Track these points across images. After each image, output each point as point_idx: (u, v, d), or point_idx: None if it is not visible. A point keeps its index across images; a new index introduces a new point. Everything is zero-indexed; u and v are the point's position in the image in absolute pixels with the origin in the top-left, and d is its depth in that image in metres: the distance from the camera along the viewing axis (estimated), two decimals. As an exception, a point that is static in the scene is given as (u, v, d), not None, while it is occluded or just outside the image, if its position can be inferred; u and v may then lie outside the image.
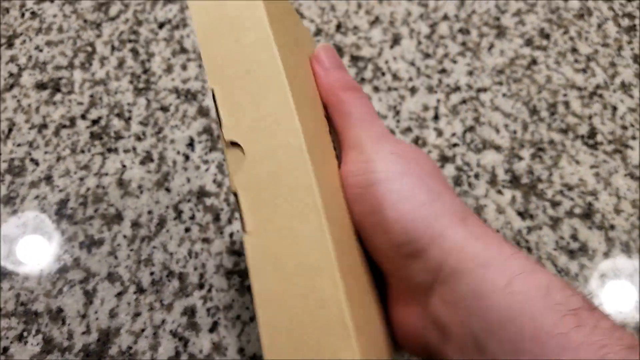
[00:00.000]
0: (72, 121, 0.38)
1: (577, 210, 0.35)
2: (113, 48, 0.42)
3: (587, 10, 0.44)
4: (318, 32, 0.43)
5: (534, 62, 0.42)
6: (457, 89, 0.40)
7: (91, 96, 0.39)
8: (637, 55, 0.42)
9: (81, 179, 0.36)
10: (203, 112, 0.39)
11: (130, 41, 0.42)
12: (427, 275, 0.18)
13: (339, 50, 0.42)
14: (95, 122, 0.38)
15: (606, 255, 0.33)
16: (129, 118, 0.38)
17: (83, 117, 0.39)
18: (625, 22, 0.44)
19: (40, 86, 0.40)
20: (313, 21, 0.43)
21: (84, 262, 0.33)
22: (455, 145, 0.38)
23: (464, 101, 0.40)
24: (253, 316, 0.31)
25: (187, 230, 0.34)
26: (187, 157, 0.37)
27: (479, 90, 0.40)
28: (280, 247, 0.18)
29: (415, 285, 0.19)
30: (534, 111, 0.39)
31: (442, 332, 0.18)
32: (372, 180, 0.19)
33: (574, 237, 0.34)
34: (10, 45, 0.42)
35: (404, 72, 0.41)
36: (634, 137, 0.38)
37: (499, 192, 0.36)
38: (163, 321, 0.31)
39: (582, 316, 0.15)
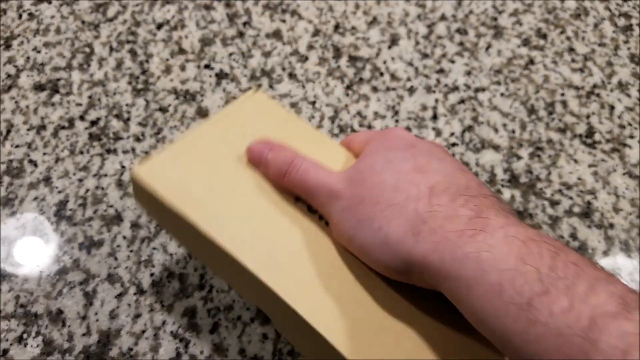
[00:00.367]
0: (71, 122, 0.38)
1: (576, 209, 0.35)
2: (111, 49, 0.42)
3: (583, 10, 0.45)
4: (316, 32, 0.43)
5: (531, 61, 0.42)
6: (455, 88, 0.40)
7: (90, 97, 0.39)
8: (634, 54, 0.42)
9: (80, 180, 0.36)
10: (202, 112, 0.39)
11: (128, 42, 0.42)
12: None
13: (337, 50, 0.42)
14: (94, 123, 0.38)
15: (605, 253, 0.34)
16: (128, 119, 0.38)
17: (82, 118, 0.38)
18: (622, 21, 0.44)
19: (39, 87, 0.40)
20: (311, 22, 0.43)
21: (83, 263, 0.33)
22: (454, 144, 0.38)
23: (462, 101, 0.40)
24: (254, 317, 0.31)
25: (187, 231, 0.34)
26: (186, 158, 0.37)
27: (477, 90, 0.40)
28: None
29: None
30: (532, 111, 0.39)
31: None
32: (346, 242, 0.23)
33: (573, 236, 0.34)
34: (8, 46, 0.42)
35: (402, 72, 0.41)
36: (631, 136, 0.38)
37: (498, 191, 0.36)
38: (164, 322, 0.31)
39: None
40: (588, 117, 0.39)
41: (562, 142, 0.38)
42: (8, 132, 0.38)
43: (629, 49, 0.43)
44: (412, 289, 0.23)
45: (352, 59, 0.42)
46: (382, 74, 0.41)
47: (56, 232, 0.34)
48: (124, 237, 0.34)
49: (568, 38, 0.43)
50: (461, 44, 0.43)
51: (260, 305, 0.26)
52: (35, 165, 0.36)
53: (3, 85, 0.40)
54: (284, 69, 0.41)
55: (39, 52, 0.42)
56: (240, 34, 0.43)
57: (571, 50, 0.43)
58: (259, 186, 0.26)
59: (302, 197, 0.25)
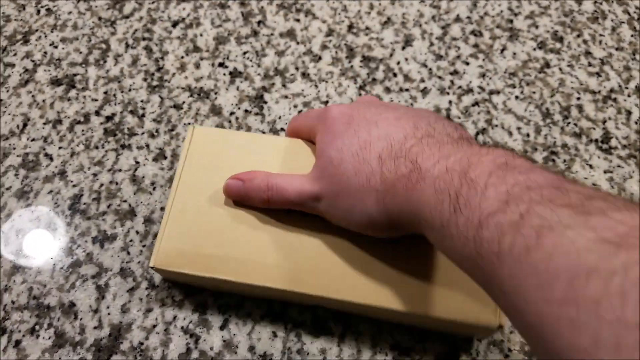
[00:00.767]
0: (87, 117, 0.39)
1: (590, 214, 0.35)
2: (127, 46, 0.42)
3: (601, 14, 0.44)
4: (330, 32, 0.43)
5: (547, 65, 0.41)
6: (469, 90, 0.40)
7: (105, 93, 0.40)
8: (651, 59, 0.42)
9: (95, 175, 0.36)
10: (216, 110, 0.39)
11: (144, 39, 0.42)
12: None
13: (351, 50, 0.42)
14: (109, 118, 0.39)
15: (619, 260, 0.33)
16: (143, 115, 0.39)
17: (97, 113, 0.39)
18: (640, 26, 0.44)
19: (55, 82, 0.40)
20: (325, 21, 0.43)
21: (96, 257, 0.33)
22: (467, 147, 0.38)
23: (476, 103, 0.40)
24: (264, 314, 0.31)
25: (199, 227, 0.34)
26: (199, 155, 0.37)
27: (492, 92, 0.40)
28: None
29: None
30: (547, 114, 0.39)
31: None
32: (345, 226, 0.27)
33: (586, 241, 0.34)
34: (26, 41, 0.42)
35: (415, 73, 0.41)
36: (647, 142, 0.38)
37: (511, 194, 0.36)
38: (174, 317, 0.31)
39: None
40: (604, 122, 0.39)
41: (577, 147, 0.38)
42: (24, 125, 0.38)
43: (646, 53, 0.42)
44: (406, 247, 0.28)
45: (366, 59, 0.42)
46: (395, 75, 0.41)
47: (70, 225, 0.34)
48: (137, 232, 0.34)
49: (585, 41, 0.43)
50: (476, 45, 0.42)
51: (299, 301, 0.31)
52: (51, 159, 0.37)
53: (20, 80, 0.40)
54: (297, 69, 0.41)
55: (56, 47, 0.42)
56: (255, 33, 0.43)
57: (588, 53, 0.42)
58: (255, 213, 0.29)
59: (292, 209, 0.28)
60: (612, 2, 0.45)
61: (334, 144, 0.26)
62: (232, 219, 0.29)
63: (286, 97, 0.39)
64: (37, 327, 0.31)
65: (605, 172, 0.37)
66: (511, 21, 0.44)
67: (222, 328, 0.31)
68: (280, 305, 0.32)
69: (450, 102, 0.40)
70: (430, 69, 0.41)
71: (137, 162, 0.37)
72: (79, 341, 0.31)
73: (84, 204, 0.35)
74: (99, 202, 0.35)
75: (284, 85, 0.40)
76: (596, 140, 0.38)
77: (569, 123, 0.39)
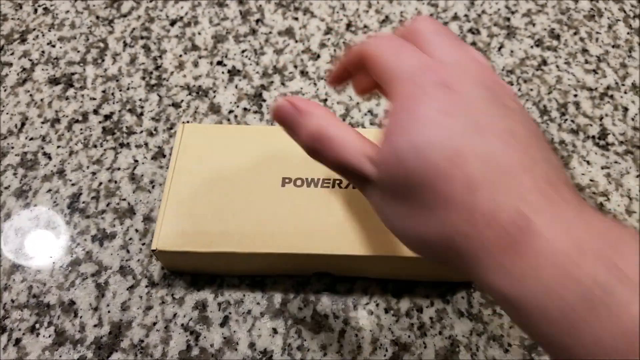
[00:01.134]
0: (85, 116, 0.39)
1: (588, 210, 0.35)
2: (125, 44, 0.42)
3: (597, 11, 0.45)
4: (328, 30, 0.43)
5: (544, 62, 0.42)
6: (467, 88, 0.40)
7: (103, 92, 0.40)
8: (647, 56, 0.42)
9: (93, 174, 0.36)
10: (214, 108, 0.39)
11: (142, 38, 0.42)
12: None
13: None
14: (107, 117, 0.39)
15: (616, 255, 0.33)
16: (141, 114, 0.39)
17: (95, 112, 0.39)
18: (636, 23, 0.44)
19: (53, 81, 0.40)
20: (323, 20, 0.43)
21: (96, 255, 0.33)
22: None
23: (474, 100, 0.40)
24: (264, 311, 0.31)
25: (198, 225, 0.34)
26: (198, 153, 0.37)
27: (490, 89, 0.40)
28: None
29: None
30: (544, 111, 0.39)
31: None
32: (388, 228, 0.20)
33: (584, 237, 0.34)
34: (23, 40, 0.42)
35: (414, 71, 0.41)
36: (644, 138, 0.38)
37: (509, 191, 0.36)
38: (174, 315, 0.31)
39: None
40: (601, 118, 0.39)
41: (574, 143, 0.38)
42: (23, 124, 0.38)
43: (643, 50, 0.42)
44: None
45: (364, 57, 0.42)
46: (394, 73, 0.41)
47: (69, 224, 0.34)
48: (137, 230, 0.34)
49: (582, 39, 0.43)
50: (474, 43, 0.43)
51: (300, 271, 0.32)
52: (50, 158, 0.37)
53: (18, 79, 0.40)
54: (295, 67, 0.41)
55: (53, 46, 0.42)
56: (253, 31, 0.43)
57: (585, 51, 0.42)
58: (250, 188, 0.30)
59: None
60: (608, 0, 0.45)
61: (426, 132, 0.17)
62: (229, 197, 0.30)
63: (285, 95, 0.40)
64: (37, 326, 0.31)
65: (602, 168, 0.37)
66: (508, 19, 0.44)
67: (222, 325, 0.31)
68: (280, 301, 0.32)
69: (448, 99, 0.40)
70: (428, 67, 0.41)
71: (136, 161, 0.37)
72: (79, 339, 0.31)
73: (83, 202, 0.35)
74: (98, 200, 0.35)
75: (282, 84, 0.40)
76: (593, 137, 0.38)
77: (566, 120, 0.39)
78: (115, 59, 0.41)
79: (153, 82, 0.40)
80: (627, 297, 0.13)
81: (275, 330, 0.31)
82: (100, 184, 0.36)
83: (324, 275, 0.32)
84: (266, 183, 0.31)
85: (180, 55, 0.41)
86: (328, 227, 0.29)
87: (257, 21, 0.43)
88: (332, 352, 0.30)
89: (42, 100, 0.39)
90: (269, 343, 0.31)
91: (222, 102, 0.39)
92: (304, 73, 0.41)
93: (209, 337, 0.31)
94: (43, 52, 0.42)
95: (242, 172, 0.31)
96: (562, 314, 0.14)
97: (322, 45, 0.42)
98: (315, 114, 0.20)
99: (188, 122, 0.38)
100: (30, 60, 0.41)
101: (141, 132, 0.38)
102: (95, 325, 0.31)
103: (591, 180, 0.36)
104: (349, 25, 0.43)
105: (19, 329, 0.31)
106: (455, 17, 0.44)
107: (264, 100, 0.39)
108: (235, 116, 0.39)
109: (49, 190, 0.35)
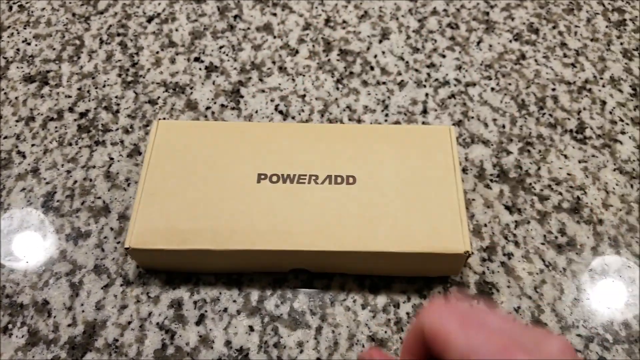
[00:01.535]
0: (60, 114, 0.38)
1: (565, 205, 0.35)
2: (101, 41, 0.42)
3: (576, 5, 0.45)
4: (307, 26, 0.43)
5: (522, 56, 0.42)
6: (445, 83, 0.40)
7: (79, 89, 0.39)
8: (626, 49, 0.42)
9: (68, 172, 0.36)
10: (191, 105, 0.39)
11: (118, 35, 0.42)
12: None
13: (328, 44, 0.42)
14: (83, 115, 0.38)
15: (594, 249, 0.34)
16: (117, 111, 0.38)
17: (71, 110, 0.38)
18: (615, 16, 0.44)
19: (28, 79, 0.40)
20: (302, 15, 0.43)
21: (70, 254, 0.33)
22: (443, 139, 0.38)
23: (452, 95, 0.40)
24: (240, 309, 0.31)
25: (175, 223, 0.34)
26: (175, 151, 0.37)
27: (468, 84, 0.40)
28: None
29: None
30: (522, 105, 0.39)
31: None
32: None
33: (562, 232, 0.34)
34: (-2, 38, 0.42)
35: (392, 66, 0.41)
36: (623, 132, 0.38)
37: (487, 186, 0.36)
38: (150, 314, 0.31)
39: None
40: (579, 112, 0.39)
41: (552, 137, 0.38)
42: (-3, 123, 0.38)
43: (621, 44, 0.42)
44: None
45: (343, 53, 0.41)
46: (372, 68, 0.41)
47: (43, 223, 0.34)
48: (111, 229, 0.34)
49: (560, 33, 0.43)
50: (452, 38, 0.42)
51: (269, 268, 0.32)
52: (24, 156, 0.36)
53: (-7, 77, 0.40)
54: (274, 62, 0.41)
55: (29, 44, 0.41)
56: (231, 27, 0.42)
57: (563, 45, 0.42)
58: (226, 184, 0.30)
59: None
60: (587, -6, 0.45)
61: None
62: (204, 194, 0.30)
63: (263, 91, 0.39)
64: (10, 326, 0.31)
65: (579, 161, 0.37)
66: (487, 13, 0.44)
67: (198, 323, 0.31)
68: (257, 298, 0.32)
69: (426, 94, 0.40)
70: (407, 62, 0.41)
71: (112, 159, 0.36)
72: (52, 339, 0.30)
73: (58, 201, 0.35)
74: (73, 199, 0.35)
75: (260, 80, 0.40)
76: (571, 131, 0.38)
77: (544, 114, 0.39)
78: (92, 57, 0.41)
79: (129, 79, 0.40)
80: None
81: (251, 328, 0.31)
82: (75, 182, 0.35)
83: (301, 271, 0.32)
84: (242, 179, 0.31)
85: (157, 52, 0.41)
86: (304, 223, 0.29)
87: (235, 17, 0.43)
88: (309, 349, 0.30)
89: (16, 98, 0.39)
90: (245, 341, 0.30)
91: (200, 99, 0.39)
92: (282, 69, 0.40)
93: (184, 335, 0.30)
94: (18, 49, 0.41)
95: (217, 168, 0.31)
96: None
97: (301, 40, 0.42)
98: None
99: (164, 119, 0.38)
100: (5, 58, 0.41)
101: (117, 129, 0.37)
102: (69, 325, 0.31)
103: (568, 174, 0.36)
104: (327, 20, 0.43)
105: (-8, 330, 0.30)
106: (434, 12, 0.44)
107: (242, 97, 0.39)
108: (213, 113, 0.38)
109: (23, 189, 0.35)
